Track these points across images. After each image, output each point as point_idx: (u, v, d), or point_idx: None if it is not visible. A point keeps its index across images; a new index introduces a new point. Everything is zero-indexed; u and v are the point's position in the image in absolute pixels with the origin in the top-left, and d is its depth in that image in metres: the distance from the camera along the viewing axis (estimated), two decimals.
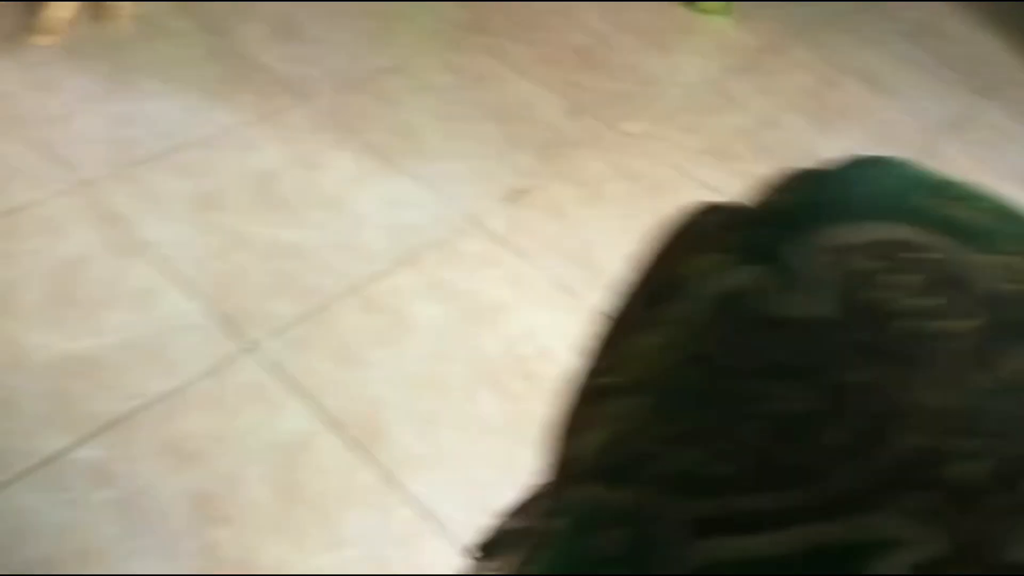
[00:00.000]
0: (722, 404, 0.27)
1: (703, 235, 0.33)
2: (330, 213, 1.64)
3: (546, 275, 1.62)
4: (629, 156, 1.91)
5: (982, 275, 0.27)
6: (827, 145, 2.04)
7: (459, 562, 0.55)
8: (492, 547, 0.58)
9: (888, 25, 2.53)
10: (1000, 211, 0.30)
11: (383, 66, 2.02)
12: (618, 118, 2.01)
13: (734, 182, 1.84)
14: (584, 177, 1.85)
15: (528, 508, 0.58)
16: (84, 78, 1.77)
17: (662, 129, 2.00)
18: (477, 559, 0.53)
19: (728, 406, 0.27)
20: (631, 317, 0.34)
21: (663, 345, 0.30)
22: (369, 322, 1.46)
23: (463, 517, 1.21)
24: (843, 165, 0.33)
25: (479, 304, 1.53)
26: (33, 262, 1.41)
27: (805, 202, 0.31)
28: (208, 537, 1.13)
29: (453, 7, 2.29)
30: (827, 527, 0.24)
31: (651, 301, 0.33)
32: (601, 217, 1.76)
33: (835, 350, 0.26)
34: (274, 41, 1.98)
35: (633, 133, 1.98)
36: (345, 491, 1.23)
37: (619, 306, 0.35)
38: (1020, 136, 2.22)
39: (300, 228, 1.59)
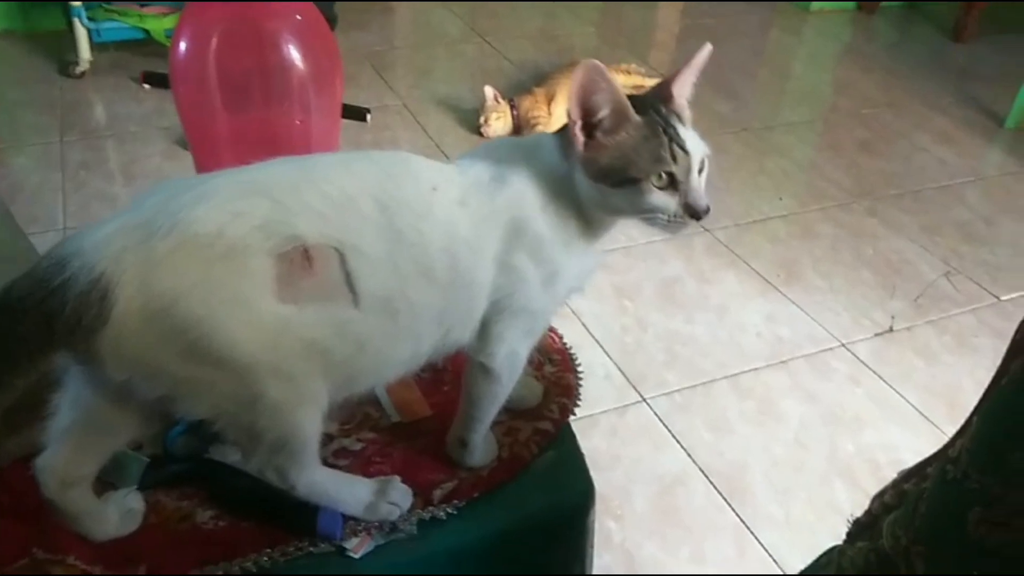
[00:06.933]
0: None
1: None
2: (716, 317, 1.96)
3: (908, 402, 1.75)
4: (1010, 322, 1.99)
5: None
6: None
7: None
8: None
9: None
10: None
11: (774, 214, 2.37)
12: (1000, 289, 2.11)
13: None
14: (956, 329, 1.97)
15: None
16: None
17: None
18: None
19: None
20: None
21: None
22: (740, 404, 1.72)
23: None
24: None
25: (841, 412, 1.72)
26: None
27: None
28: (604, 526, 1.43)
29: (839, 169, 2.59)
30: None
31: None
32: (970, 366, 1.86)
33: None
34: None
35: (1011, 300, 2.06)
36: (710, 524, 1.47)
37: None
38: None
39: (691, 324, 1.94)
